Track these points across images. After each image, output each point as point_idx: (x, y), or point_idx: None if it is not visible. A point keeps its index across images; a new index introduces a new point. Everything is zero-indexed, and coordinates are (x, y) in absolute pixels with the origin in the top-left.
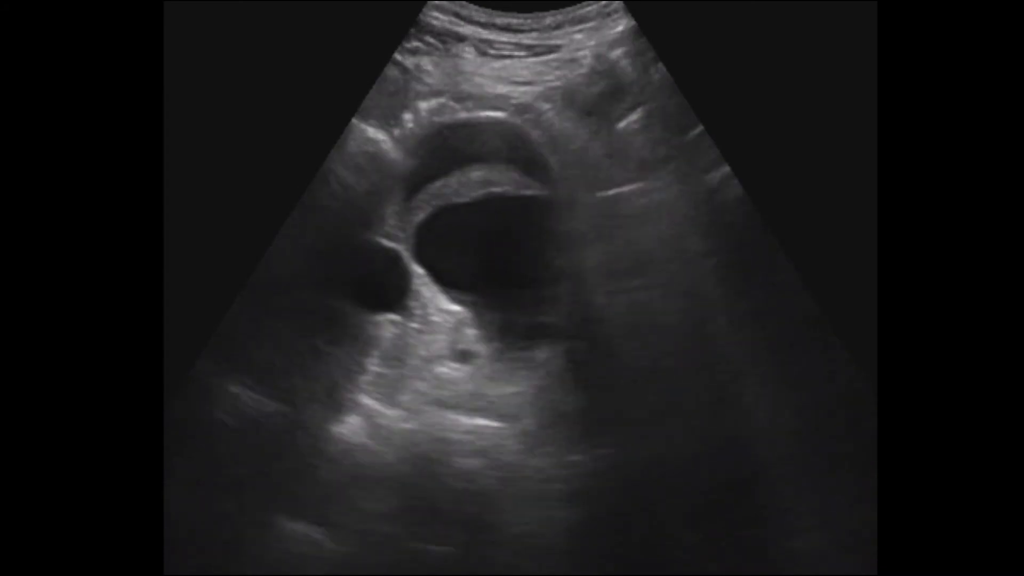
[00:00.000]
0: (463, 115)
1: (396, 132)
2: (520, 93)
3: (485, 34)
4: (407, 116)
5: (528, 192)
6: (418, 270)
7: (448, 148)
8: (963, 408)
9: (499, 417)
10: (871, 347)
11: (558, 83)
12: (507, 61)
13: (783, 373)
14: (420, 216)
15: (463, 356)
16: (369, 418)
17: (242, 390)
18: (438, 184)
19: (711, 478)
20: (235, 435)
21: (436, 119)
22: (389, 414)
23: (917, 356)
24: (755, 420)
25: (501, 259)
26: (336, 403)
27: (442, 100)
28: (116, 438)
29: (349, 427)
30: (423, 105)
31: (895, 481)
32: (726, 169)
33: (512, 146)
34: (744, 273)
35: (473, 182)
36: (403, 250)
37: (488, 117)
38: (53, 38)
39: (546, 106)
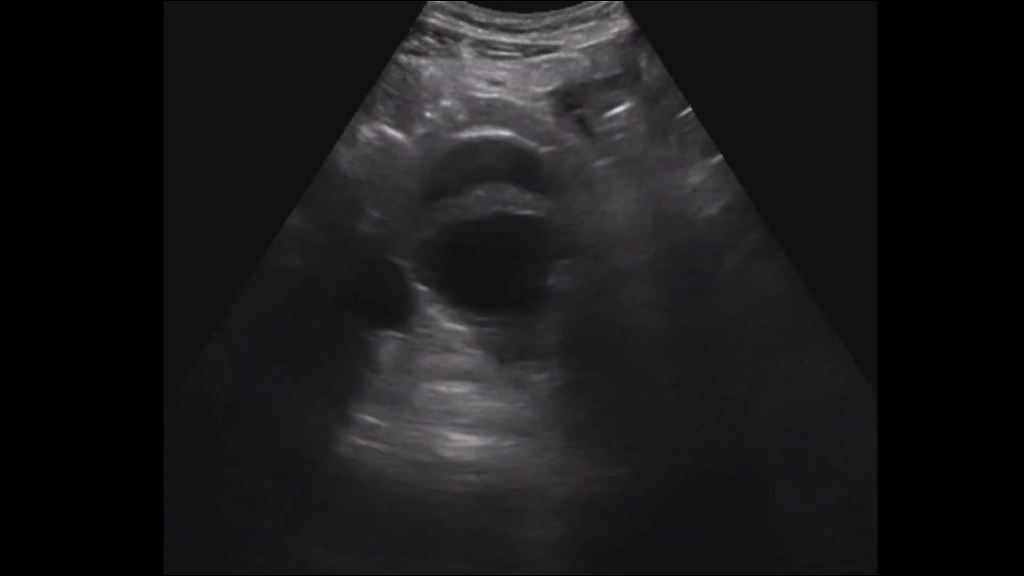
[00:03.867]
0: (468, 132)
1: (398, 136)
2: (521, 99)
3: (485, 34)
4: (409, 121)
5: (531, 212)
6: (421, 287)
7: (453, 165)
8: (963, 408)
9: (501, 434)
10: (871, 347)
11: (558, 86)
12: (507, 62)
13: (783, 373)
14: (425, 233)
15: (465, 374)
16: (370, 434)
17: (242, 401)
18: (443, 202)
19: (710, 481)
20: (234, 447)
21: (439, 131)
22: (390, 430)
23: (917, 356)
24: (755, 420)
25: (504, 277)
26: (337, 418)
27: (444, 106)
28: (116, 437)
29: (349, 442)
30: (425, 110)
31: (895, 481)
32: (727, 170)
33: (516, 165)
34: (744, 273)
35: (478, 200)
36: (407, 266)
37: (492, 135)
38: (53, 38)
39: (547, 115)
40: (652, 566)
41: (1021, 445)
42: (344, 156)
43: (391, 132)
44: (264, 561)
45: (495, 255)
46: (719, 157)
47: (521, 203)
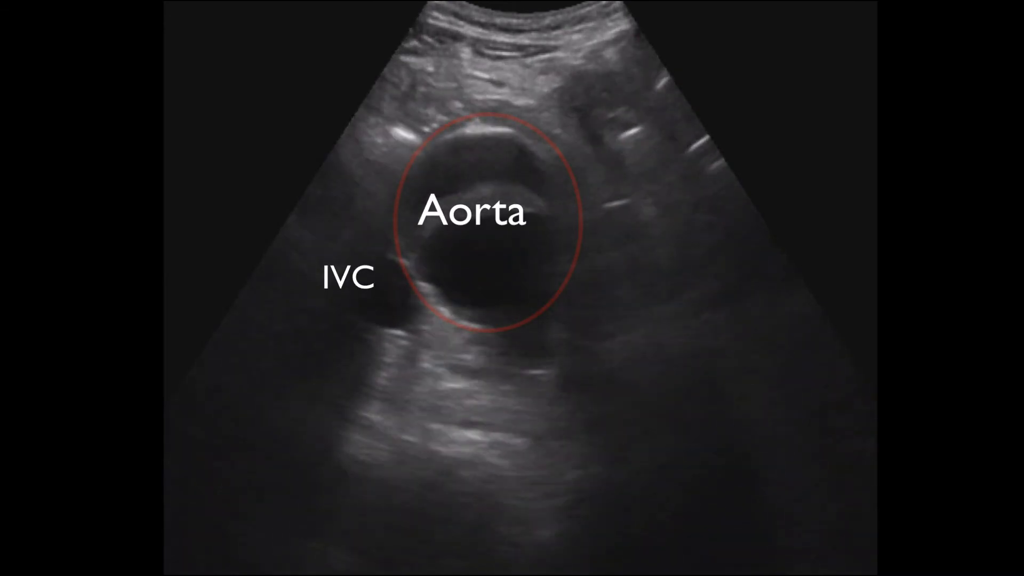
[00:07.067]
0: (469, 130)
1: (398, 136)
2: (521, 99)
3: (484, 34)
4: (409, 120)
5: (533, 210)
6: (424, 286)
7: (455, 164)
8: (963, 408)
9: (502, 432)
10: (871, 347)
11: (558, 86)
12: (506, 62)
13: (783, 373)
14: (426, 231)
15: (467, 372)
16: (372, 432)
17: (243, 398)
18: (444, 199)
19: (710, 481)
20: (234, 448)
21: (441, 130)
22: (392, 428)
23: (917, 356)
24: (754, 421)
25: (506, 276)
26: (339, 417)
27: (445, 106)
28: (116, 439)
29: (352, 441)
30: (424, 110)
31: (895, 481)
32: (726, 170)
33: (517, 163)
34: (744, 275)
35: (479, 199)
36: (409, 265)
37: (495, 132)
38: (53, 38)
39: (547, 114)
40: (651, 565)
41: (1021, 445)
42: (344, 155)
43: (390, 132)
44: (264, 560)
45: (497, 253)
46: (719, 161)
47: (523, 201)
